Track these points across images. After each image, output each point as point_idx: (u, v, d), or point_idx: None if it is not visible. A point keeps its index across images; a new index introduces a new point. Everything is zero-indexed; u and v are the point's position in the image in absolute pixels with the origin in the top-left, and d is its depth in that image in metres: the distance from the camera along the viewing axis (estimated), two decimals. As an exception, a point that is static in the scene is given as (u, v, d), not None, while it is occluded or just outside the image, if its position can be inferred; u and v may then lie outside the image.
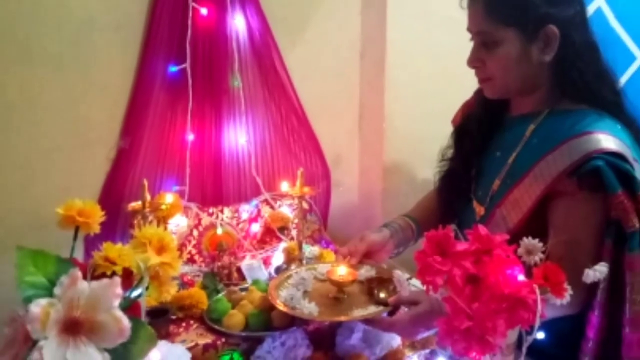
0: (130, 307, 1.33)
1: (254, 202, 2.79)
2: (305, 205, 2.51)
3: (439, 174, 2.32)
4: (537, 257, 1.35)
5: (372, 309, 1.88)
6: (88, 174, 2.54)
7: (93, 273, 1.45)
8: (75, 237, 1.59)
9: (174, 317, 2.08)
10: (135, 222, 2.15)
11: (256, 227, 2.72)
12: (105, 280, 1.17)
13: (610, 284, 1.71)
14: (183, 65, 2.57)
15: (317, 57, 2.92)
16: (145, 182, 2.16)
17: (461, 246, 1.31)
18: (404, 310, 1.86)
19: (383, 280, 2.01)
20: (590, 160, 1.70)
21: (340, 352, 1.94)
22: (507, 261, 1.29)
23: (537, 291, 1.26)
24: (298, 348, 1.90)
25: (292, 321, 1.96)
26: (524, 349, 1.33)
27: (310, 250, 2.53)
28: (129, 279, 1.47)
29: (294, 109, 2.87)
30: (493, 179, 2.01)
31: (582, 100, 1.88)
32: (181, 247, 2.55)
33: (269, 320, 1.98)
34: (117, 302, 1.16)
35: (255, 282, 2.27)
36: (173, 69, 2.57)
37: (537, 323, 1.25)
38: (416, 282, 2.14)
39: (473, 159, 2.17)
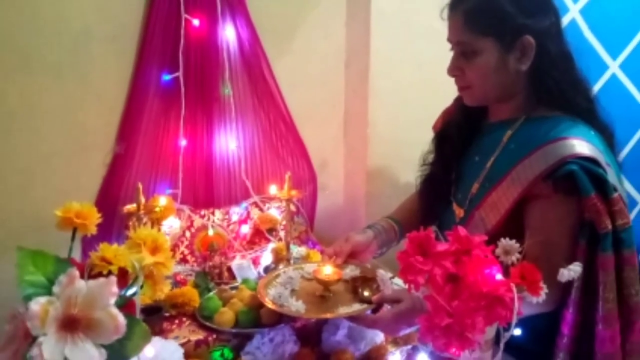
0: (125, 304, 1.33)
1: (244, 204, 2.79)
2: (292, 208, 2.50)
3: (420, 177, 2.33)
4: (514, 257, 1.36)
5: (356, 307, 1.88)
6: (85, 177, 2.53)
7: (90, 272, 1.44)
8: (73, 238, 1.59)
9: (167, 314, 2.08)
10: (131, 223, 2.15)
11: (246, 229, 2.72)
12: (101, 279, 1.17)
13: (584, 283, 1.72)
14: (176, 74, 2.57)
15: (304, 66, 2.93)
16: (140, 186, 2.16)
17: (441, 247, 1.32)
18: (387, 308, 1.86)
19: (367, 279, 2.01)
20: (565, 164, 1.71)
21: (326, 348, 1.94)
22: (485, 261, 1.30)
23: (514, 290, 1.27)
24: (286, 344, 1.90)
25: (280, 318, 1.96)
26: (501, 345, 1.34)
27: (297, 250, 2.53)
28: (124, 278, 1.47)
29: (282, 116, 2.87)
30: (472, 183, 2.01)
31: (557, 108, 1.89)
32: (174, 247, 2.55)
33: (258, 318, 1.98)
34: (113, 300, 1.16)
35: (245, 281, 2.27)
36: (166, 77, 2.57)
37: (514, 320, 1.26)
38: (399, 281, 2.16)
39: (453, 163, 2.18)
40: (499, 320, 1.27)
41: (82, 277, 1.17)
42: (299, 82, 2.91)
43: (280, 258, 2.41)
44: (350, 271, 2.07)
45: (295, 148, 2.96)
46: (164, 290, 1.64)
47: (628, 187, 3.80)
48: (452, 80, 2.01)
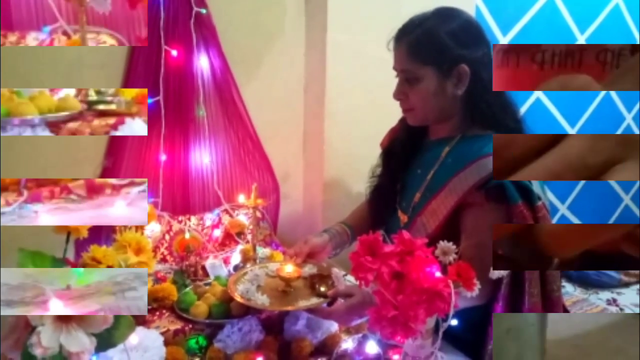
0: (113, 299, 1.34)
1: (216, 211, 2.78)
2: (258, 214, 2.50)
3: (369, 188, 2.33)
4: (451, 257, 1.38)
5: (314, 301, 1.90)
6: (77, 188, 2.52)
7: (82, 271, 1.45)
8: (67, 241, 1.59)
9: (149, 307, 2.07)
10: (117, 228, 2.14)
11: (218, 232, 2.71)
12: (93, 277, 1.18)
13: (512, 280, 1.75)
14: (157, 98, 2.56)
15: (268, 91, 2.93)
16: (125, 195, 2.16)
17: (388, 248, 1.33)
18: (340, 301, 1.87)
19: (323, 277, 2.02)
20: None
21: (288, 336, 1.94)
22: (426, 261, 1.32)
23: (451, 285, 1.29)
24: (252, 333, 1.90)
25: (247, 310, 1.96)
26: (440, 334, 1.36)
27: (262, 251, 2.52)
28: (112, 275, 1.48)
29: (249, 134, 2.87)
30: (415, 193, 2.03)
31: (489, 127, 1.90)
32: (155, 249, 2.53)
33: (229, 310, 1.98)
34: (103, 295, 1.17)
35: (217, 278, 2.27)
36: (149, 100, 2.56)
37: (451, 312, 1.28)
38: (351, 278, 2.17)
39: (398, 175, 2.18)
40: (438, 312, 1.29)
41: (75, 275, 1.18)
42: (264, 104, 2.91)
43: (247, 258, 2.41)
44: (309, 269, 2.09)
45: (261, 162, 2.96)
46: (147, 286, 1.65)
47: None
48: (397, 103, 2.03)
